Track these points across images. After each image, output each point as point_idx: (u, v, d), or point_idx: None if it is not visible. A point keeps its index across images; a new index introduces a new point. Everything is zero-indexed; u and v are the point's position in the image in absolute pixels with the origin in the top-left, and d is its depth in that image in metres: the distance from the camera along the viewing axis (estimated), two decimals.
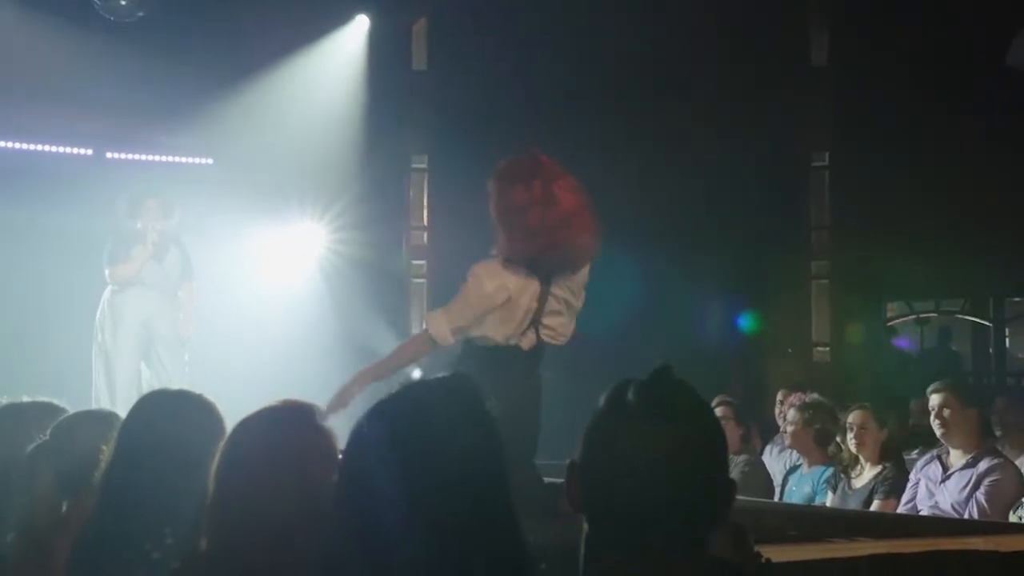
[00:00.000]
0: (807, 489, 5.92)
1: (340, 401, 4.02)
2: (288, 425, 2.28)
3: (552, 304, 4.23)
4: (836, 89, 8.05)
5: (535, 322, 4.21)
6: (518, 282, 4.16)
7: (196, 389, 2.98)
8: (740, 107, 7.89)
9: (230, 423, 2.80)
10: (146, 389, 7.58)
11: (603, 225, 4.20)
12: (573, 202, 4.23)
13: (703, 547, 1.78)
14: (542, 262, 4.18)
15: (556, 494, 2.08)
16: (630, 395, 1.76)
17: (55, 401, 3.67)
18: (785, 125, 8.13)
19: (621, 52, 8.04)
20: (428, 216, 9.07)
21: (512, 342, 4.21)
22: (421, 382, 2.08)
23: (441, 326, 4.18)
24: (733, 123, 7.88)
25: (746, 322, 8.29)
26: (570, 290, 4.31)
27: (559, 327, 4.28)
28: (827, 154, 8.39)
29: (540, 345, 4.26)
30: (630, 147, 8.03)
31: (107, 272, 7.68)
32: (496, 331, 4.18)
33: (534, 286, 4.19)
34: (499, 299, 4.13)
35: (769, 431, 7.03)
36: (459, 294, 4.23)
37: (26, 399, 3.58)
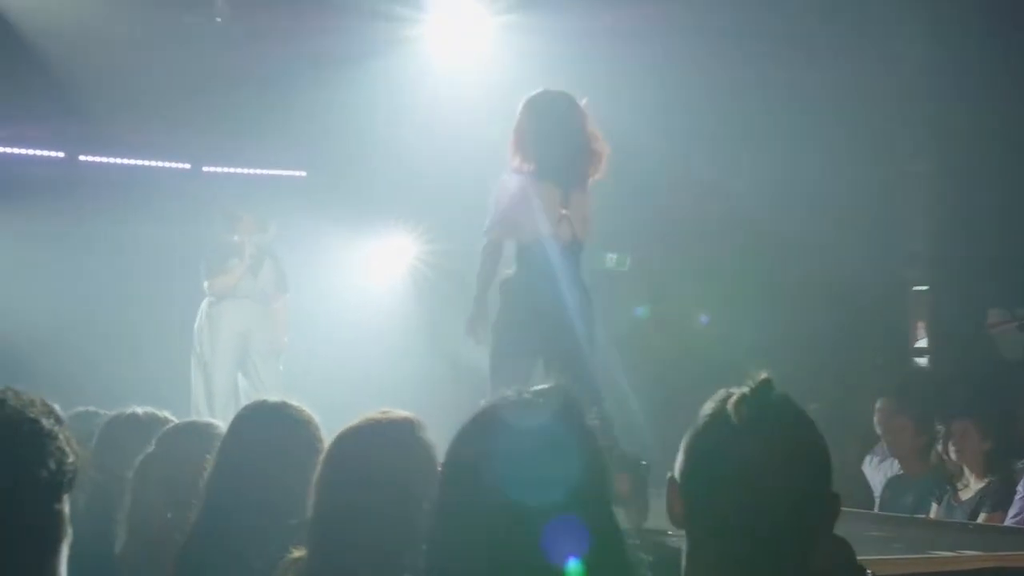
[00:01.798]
0: (909, 500, 5.80)
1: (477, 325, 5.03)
2: (389, 439, 2.29)
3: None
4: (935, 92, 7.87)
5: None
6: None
7: (291, 399, 3.01)
8: (837, 111, 7.75)
9: (324, 432, 2.83)
10: (243, 399, 7.73)
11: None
12: None
13: (807, 562, 1.75)
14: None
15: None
16: (731, 407, 1.73)
17: (159, 411, 3.74)
18: (883, 130, 7.97)
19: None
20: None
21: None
22: (518, 396, 2.06)
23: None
24: (830, 127, 7.76)
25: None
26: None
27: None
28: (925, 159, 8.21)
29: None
30: (717, 161, 7.93)
31: (205, 284, 7.83)
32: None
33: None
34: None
35: (866, 441, 6.90)
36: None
37: (137, 410, 3.64)
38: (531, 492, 1.84)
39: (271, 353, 7.93)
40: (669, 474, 1.80)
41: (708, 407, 1.78)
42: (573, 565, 1.82)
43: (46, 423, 1.36)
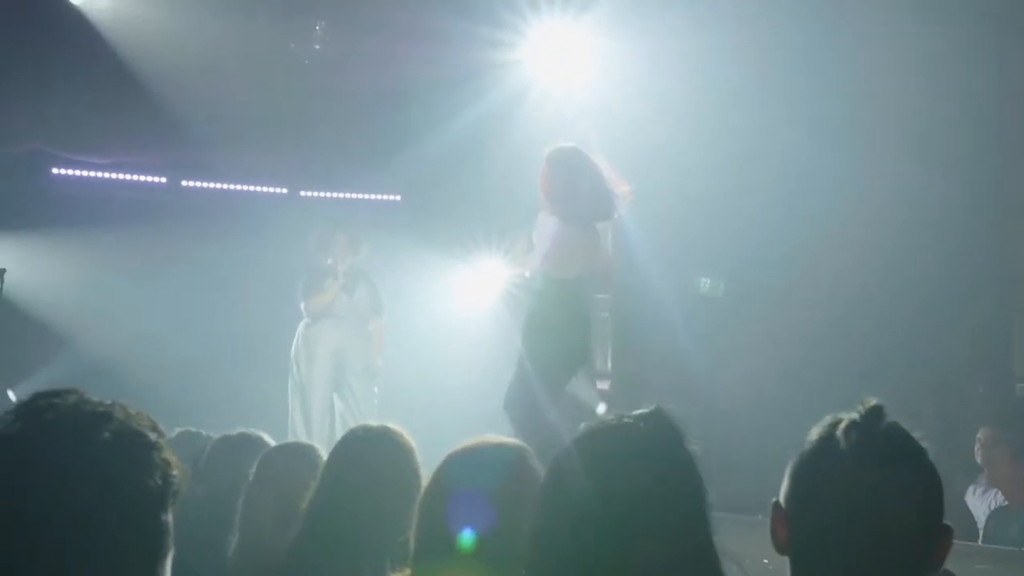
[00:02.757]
0: (1013, 532, 5.64)
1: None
2: (500, 465, 2.28)
3: None
4: None
5: None
6: None
7: (386, 420, 3.03)
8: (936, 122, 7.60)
9: (421, 453, 2.85)
10: (338, 420, 7.81)
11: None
12: None
13: None
14: None
15: None
16: (841, 435, 1.69)
17: (257, 433, 3.81)
18: (984, 147, 7.80)
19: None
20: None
21: None
22: (618, 420, 2.03)
23: None
24: (924, 151, 7.62)
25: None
26: None
27: None
28: None
29: None
30: (813, 186, 7.83)
31: (302, 305, 7.93)
32: None
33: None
34: None
35: (970, 471, 6.73)
36: None
37: (246, 431, 3.73)
38: (631, 515, 1.82)
39: (366, 375, 8.00)
40: (774, 499, 1.76)
41: (815, 433, 1.74)
42: None
43: (152, 436, 1.39)
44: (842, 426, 1.69)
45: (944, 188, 7.65)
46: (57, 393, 1.38)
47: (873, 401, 1.70)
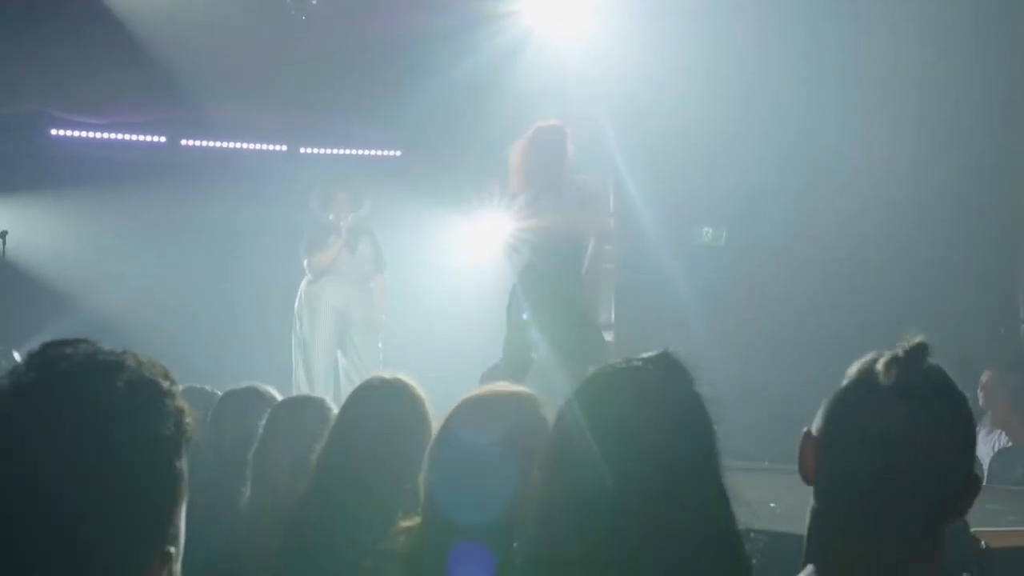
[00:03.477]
0: (1018, 472, 5.67)
1: None
2: (511, 416, 2.29)
3: None
4: None
5: None
6: None
7: (390, 376, 3.03)
8: (944, 81, 7.57)
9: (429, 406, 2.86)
10: (342, 376, 7.83)
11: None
12: None
13: (935, 535, 1.69)
14: None
15: None
16: (881, 367, 1.68)
17: (264, 387, 3.83)
18: (995, 93, 7.77)
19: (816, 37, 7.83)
20: (615, 203, 9.02)
21: None
22: (626, 362, 2.03)
23: None
24: (933, 91, 7.59)
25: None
26: None
27: None
28: None
29: None
30: (821, 129, 7.80)
31: (305, 262, 7.93)
32: None
33: None
34: None
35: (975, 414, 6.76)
36: None
37: (253, 384, 3.75)
38: (641, 458, 1.82)
39: (370, 330, 8.01)
40: (805, 428, 1.76)
41: (855, 368, 1.73)
42: (676, 521, 1.79)
43: (165, 384, 1.40)
44: (883, 359, 1.68)
45: (945, 137, 7.62)
46: (68, 342, 1.38)
47: (918, 338, 1.69)
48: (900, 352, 1.68)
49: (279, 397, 3.75)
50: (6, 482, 1.29)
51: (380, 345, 8.05)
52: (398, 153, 9.56)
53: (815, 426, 1.74)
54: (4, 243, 7.88)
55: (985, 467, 6.02)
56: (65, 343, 1.38)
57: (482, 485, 2.22)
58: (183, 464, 1.38)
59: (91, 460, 1.31)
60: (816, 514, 1.72)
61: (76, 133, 8.76)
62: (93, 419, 1.32)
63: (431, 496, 2.31)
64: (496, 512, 2.19)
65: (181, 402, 1.39)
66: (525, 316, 6.19)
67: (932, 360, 1.69)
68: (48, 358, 1.37)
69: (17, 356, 7.37)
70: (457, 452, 2.28)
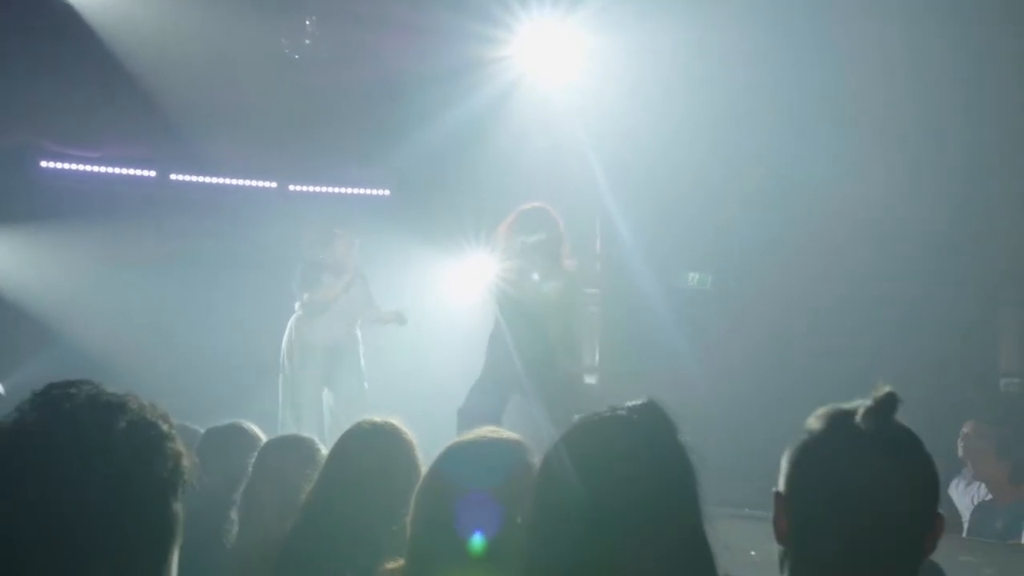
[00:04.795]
0: (999, 525, 5.68)
1: None
2: (498, 459, 2.31)
3: None
4: None
5: None
6: None
7: (385, 415, 3.05)
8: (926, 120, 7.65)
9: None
10: (328, 415, 7.82)
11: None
12: None
13: None
14: None
15: None
16: (861, 419, 1.70)
17: (246, 424, 3.84)
18: (967, 148, 7.85)
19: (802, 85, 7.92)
20: (600, 246, 9.07)
21: None
22: (611, 412, 2.05)
23: None
24: (910, 153, 7.67)
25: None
26: None
27: None
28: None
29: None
30: (806, 180, 7.87)
31: (304, 298, 7.91)
32: None
33: None
34: None
35: (952, 464, 6.77)
36: None
37: (238, 422, 3.75)
38: (624, 507, 1.84)
39: (358, 369, 8.02)
40: (774, 489, 1.78)
41: (818, 422, 1.76)
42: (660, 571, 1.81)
43: (164, 426, 1.42)
44: (862, 410, 1.71)
45: (931, 183, 7.69)
46: (72, 383, 1.41)
47: (887, 388, 1.72)
48: (872, 402, 1.72)
49: (261, 434, 3.76)
50: (6, 519, 1.31)
51: (366, 385, 8.05)
52: (387, 192, 9.60)
53: (782, 483, 1.77)
54: None
55: (964, 519, 6.03)
56: (69, 384, 1.41)
57: (467, 529, 2.24)
58: (179, 507, 1.41)
59: (89, 500, 1.33)
60: (791, 565, 1.75)
61: (66, 165, 8.77)
62: (95, 460, 1.34)
63: (416, 538, 2.33)
64: (480, 556, 2.20)
65: (180, 445, 1.42)
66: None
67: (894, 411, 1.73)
68: (52, 398, 1.39)
69: (1, 389, 7.35)
70: (443, 495, 2.30)
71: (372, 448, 2.82)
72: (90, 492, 1.33)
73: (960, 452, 6.31)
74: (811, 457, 1.74)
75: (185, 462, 1.42)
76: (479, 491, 2.26)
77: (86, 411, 1.38)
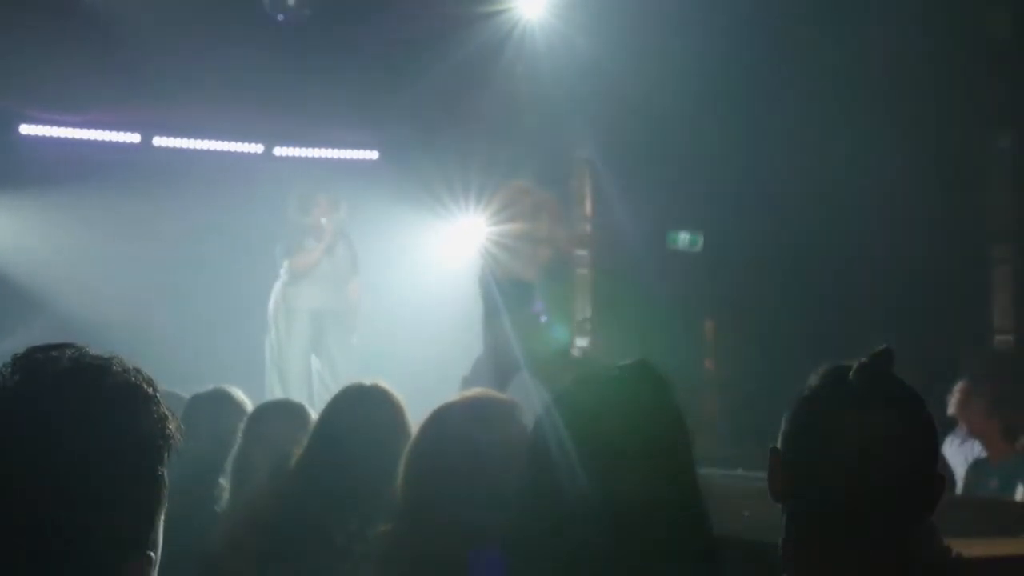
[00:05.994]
0: (993, 483, 5.70)
1: None
2: (491, 420, 2.29)
3: None
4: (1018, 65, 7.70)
5: None
6: None
7: (374, 379, 3.04)
8: (914, 85, 7.62)
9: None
10: (316, 380, 7.81)
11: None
12: None
13: (907, 542, 1.71)
14: None
15: None
16: (854, 376, 1.69)
17: (230, 389, 3.83)
18: (963, 104, 7.83)
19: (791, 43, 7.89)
20: (591, 207, 9.04)
21: None
22: (603, 370, 2.04)
23: None
24: (905, 104, 7.64)
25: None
26: None
27: None
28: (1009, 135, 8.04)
29: None
30: (793, 136, 7.84)
31: (285, 264, 7.89)
32: None
33: None
34: None
35: (946, 424, 6.79)
36: None
37: (223, 387, 3.74)
38: (619, 467, 1.83)
39: (345, 333, 8.00)
40: (771, 446, 1.77)
41: (815, 379, 1.75)
42: (652, 527, 1.80)
43: (149, 389, 1.40)
44: (856, 366, 1.70)
45: (919, 146, 7.67)
46: (55, 346, 1.39)
47: (883, 345, 1.71)
48: (868, 359, 1.70)
49: (247, 400, 3.76)
50: None
51: (354, 349, 8.04)
52: (375, 155, 9.54)
53: (780, 440, 1.75)
54: None
55: (958, 476, 6.05)
56: (51, 347, 1.39)
57: (458, 490, 2.22)
58: (164, 471, 1.39)
59: (75, 463, 1.31)
60: (790, 525, 1.73)
61: (47, 130, 8.68)
62: (78, 422, 1.32)
63: (407, 500, 2.31)
64: (472, 517, 2.19)
65: (165, 408, 1.40)
66: (543, 318, 6.32)
67: (891, 368, 1.71)
68: (34, 361, 1.37)
69: None
70: (434, 457, 2.29)
71: (360, 411, 2.83)
72: (73, 455, 1.31)
73: (951, 410, 6.32)
74: (807, 413, 1.73)
75: (171, 426, 1.40)
76: (469, 451, 2.25)
77: (69, 374, 1.36)
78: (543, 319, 6.23)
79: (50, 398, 1.34)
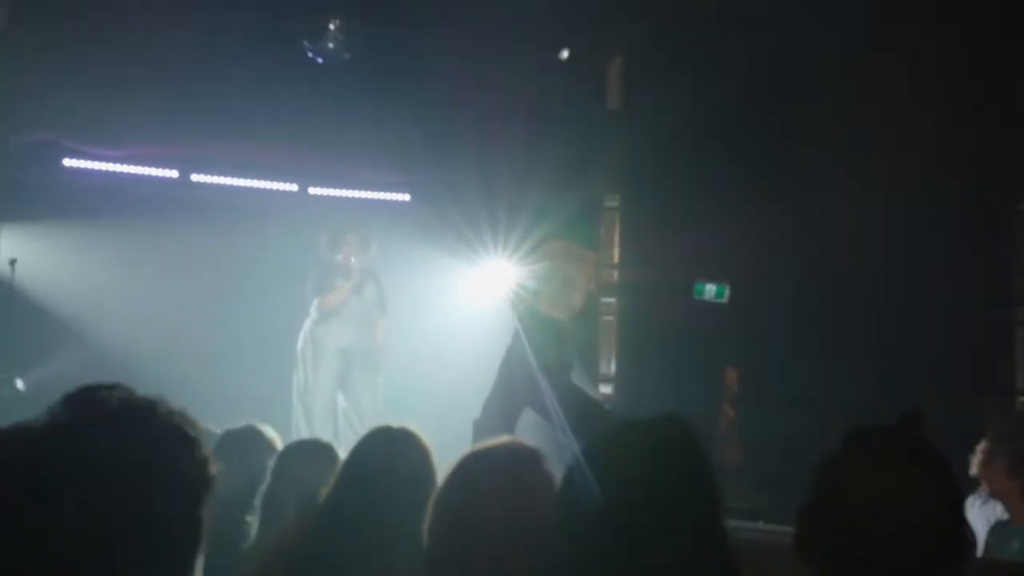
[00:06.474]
0: (1015, 545, 5.64)
1: None
2: (519, 475, 2.31)
3: None
4: None
5: None
6: None
7: (401, 421, 3.07)
8: (945, 147, 7.63)
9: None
10: (342, 419, 7.84)
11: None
12: None
13: None
14: None
15: None
16: (881, 438, 1.71)
17: (261, 427, 3.86)
18: (992, 168, 7.84)
19: (820, 94, 7.92)
20: (619, 254, 9.07)
21: None
22: (632, 423, 2.05)
23: None
24: (938, 163, 7.65)
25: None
26: None
27: None
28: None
29: None
30: (825, 190, 7.87)
31: (315, 302, 7.95)
32: None
33: None
34: None
35: (969, 485, 6.74)
36: None
37: (253, 424, 3.76)
38: (647, 520, 1.84)
39: (371, 373, 8.04)
40: (797, 505, 1.79)
41: (843, 440, 1.77)
42: None
43: (192, 432, 1.44)
44: (884, 432, 1.72)
45: (946, 204, 7.68)
46: (104, 387, 1.42)
47: (914, 408, 1.73)
48: (901, 421, 1.72)
49: (278, 437, 3.78)
50: (36, 520, 1.32)
51: (380, 388, 8.07)
52: (407, 197, 9.62)
53: (807, 498, 1.77)
54: (13, 271, 7.93)
55: (980, 538, 6.00)
56: (102, 387, 1.42)
57: (487, 541, 2.24)
58: (204, 513, 1.42)
59: (120, 503, 1.34)
60: None
61: (89, 164, 8.81)
62: (124, 464, 1.35)
63: (435, 550, 2.33)
64: (501, 568, 2.21)
65: (207, 451, 1.44)
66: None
67: (920, 430, 1.74)
68: (85, 400, 1.40)
69: (20, 384, 7.39)
70: (462, 507, 2.31)
71: (388, 453, 2.85)
72: (119, 495, 1.34)
73: (973, 470, 6.28)
74: (836, 473, 1.75)
75: (212, 469, 1.44)
76: (497, 499, 2.27)
77: (118, 413, 1.39)
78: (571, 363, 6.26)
79: (98, 438, 1.37)
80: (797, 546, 1.78)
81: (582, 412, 5.73)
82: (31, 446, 1.35)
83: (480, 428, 6.04)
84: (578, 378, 6.40)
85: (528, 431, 6.17)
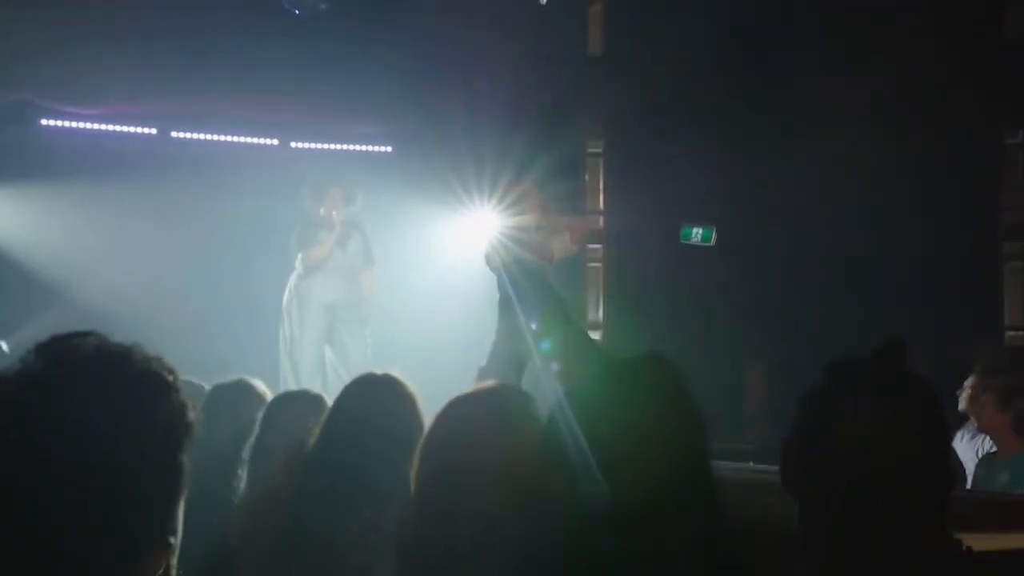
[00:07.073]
0: (1003, 478, 5.68)
1: None
2: (505, 418, 2.31)
3: None
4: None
5: None
6: None
7: (377, 369, 3.06)
8: (928, 82, 7.61)
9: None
10: (330, 371, 7.84)
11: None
12: None
13: (920, 533, 1.72)
14: None
15: None
16: (865, 368, 1.71)
17: (252, 381, 3.85)
18: (977, 100, 7.81)
19: (804, 36, 7.88)
20: (604, 201, 9.05)
21: None
22: (616, 361, 2.05)
23: None
24: (919, 99, 7.62)
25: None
26: None
27: None
28: (1022, 132, 8.03)
29: None
30: (810, 131, 7.84)
31: (298, 257, 7.93)
32: None
33: None
34: None
35: (957, 419, 6.78)
36: None
37: (243, 378, 3.76)
38: (633, 459, 1.84)
39: (358, 325, 8.03)
40: (783, 438, 1.78)
41: (827, 372, 1.76)
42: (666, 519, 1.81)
43: (169, 378, 1.42)
44: (866, 361, 1.71)
45: (933, 143, 7.67)
46: (77, 335, 1.41)
47: (893, 338, 1.72)
48: (882, 349, 1.71)
49: (267, 391, 3.77)
50: (12, 469, 1.31)
51: (368, 340, 8.06)
52: (389, 149, 9.57)
53: (792, 432, 1.77)
54: None
55: (969, 472, 6.04)
56: (73, 335, 1.41)
57: (473, 482, 2.24)
58: (184, 458, 1.41)
59: (96, 450, 1.33)
60: (805, 516, 1.75)
61: (67, 123, 8.73)
62: (99, 410, 1.34)
63: (422, 492, 2.33)
64: (487, 509, 2.20)
65: (185, 397, 1.42)
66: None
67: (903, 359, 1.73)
68: (57, 348, 1.39)
69: (5, 346, 7.36)
70: (448, 450, 2.30)
71: (374, 400, 2.85)
72: (95, 442, 1.33)
73: (962, 405, 6.30)
74: (820, 405, 1.74)
75: (191, 414, 1.42)
76: (483, 441, 2.27)
77: (91, 361, 1.38)
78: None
79: (72, 385, 1.36)
80: (783, 480, 1.78)
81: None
82: (3, 395, 1.33)
83: (484, 376, 6.01)
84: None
85: (533, 387, 6.15)
